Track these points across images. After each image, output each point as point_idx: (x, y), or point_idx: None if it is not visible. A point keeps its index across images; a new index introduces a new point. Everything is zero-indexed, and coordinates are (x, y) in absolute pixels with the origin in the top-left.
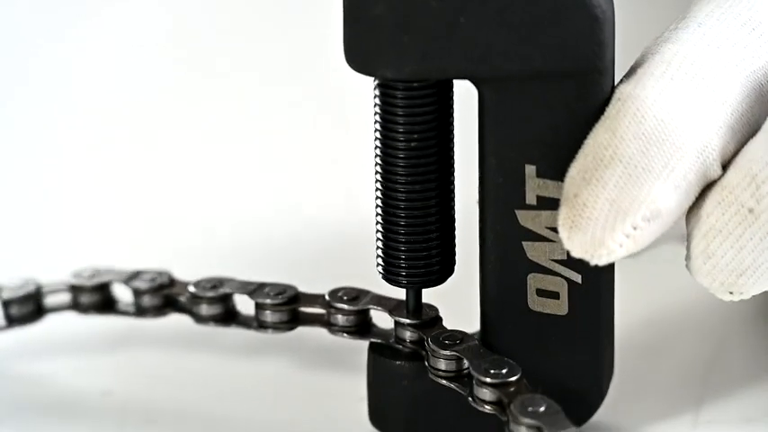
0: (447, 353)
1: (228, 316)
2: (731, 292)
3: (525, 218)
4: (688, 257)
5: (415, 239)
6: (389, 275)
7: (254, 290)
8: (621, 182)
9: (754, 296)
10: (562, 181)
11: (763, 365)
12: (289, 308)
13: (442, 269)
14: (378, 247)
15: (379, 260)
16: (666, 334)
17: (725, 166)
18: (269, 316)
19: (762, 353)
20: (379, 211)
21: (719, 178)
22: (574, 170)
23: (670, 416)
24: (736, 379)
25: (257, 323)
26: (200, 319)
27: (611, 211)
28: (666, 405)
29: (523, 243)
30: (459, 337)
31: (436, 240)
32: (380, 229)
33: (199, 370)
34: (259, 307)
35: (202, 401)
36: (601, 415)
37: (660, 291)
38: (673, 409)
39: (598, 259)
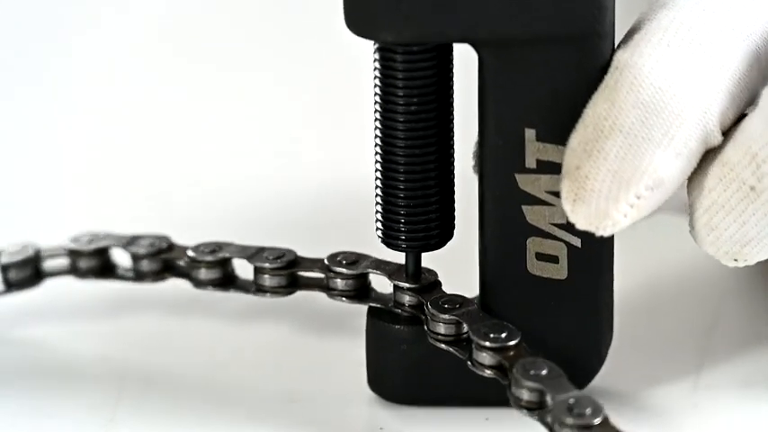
0: (446, 317)
1: (227, 280)
2: (736, 260)
3: (525, 182)
4: (692, 227)
5: (414, 203)
6: (389, 239)
7: (253, 254)
8: (623, 152)
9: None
10: (562, 145)
11: (762, 329)
12: (287, 272)
13: (441, 233)
14: (377, 212)
15: (379, 224)
16: (666, 299)
17: (725, 133)
18: (267, 280)
19: (761, 317)
20: (379, 175)
21: (720, 151)
22: (574, 141)
23: (670, 380)
24: (735, 343)
25: (256, 287)
26: (198, 283)
27: (613, 182)
28: (666, 369)
29: (523, 207)
30: (458, 301)
31: (435, 204)
32: (380, 194)
33: (198, 334)
34: (258, 271)
35: (201, 365)
36: (601, 380)
37: (660, 256)
38: (673, 374)
39: (603, 230)
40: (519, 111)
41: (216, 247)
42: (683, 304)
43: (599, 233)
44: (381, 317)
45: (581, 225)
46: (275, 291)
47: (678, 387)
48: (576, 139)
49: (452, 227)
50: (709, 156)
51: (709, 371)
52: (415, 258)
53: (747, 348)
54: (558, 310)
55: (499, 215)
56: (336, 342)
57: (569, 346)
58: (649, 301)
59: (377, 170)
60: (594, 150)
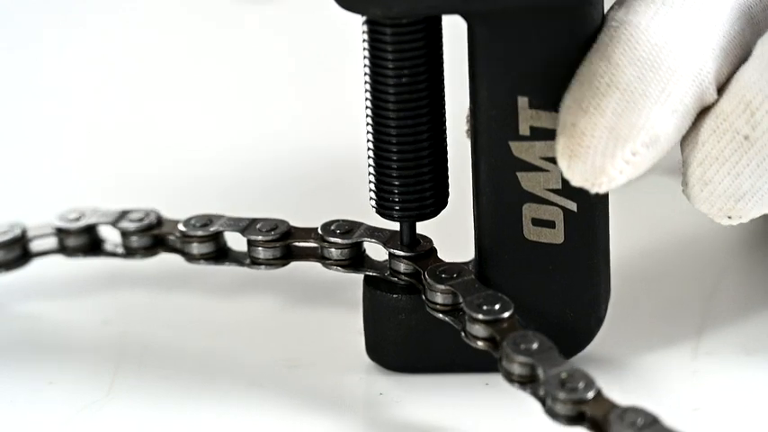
0: (443, 287)
1: (220, 254)
2: (729, 217)
3: (519, 149)
4: (685, 184)
5: (407, 173)
6: (383, 209)
7: (246, 227)
8: (619, 109)
9: (754, 223)
10: (555, 111)
11: (763, 295)
12: (281, 244)
13: (435, 202)
14: (370, 182)
15: (372, 194)
16: (665, 264)
17: (719, 90)
18: (262, 253)
19: (762, 283)
20: (371, 146)
21: (714, 105)
22: (569, 99)
23: (670, 347)
24: (736, 309)
25: (250, 260)
26: (191, 258)
27: (610, 138)
28: (666, 336)
29: (518, 174)
30: (455, 270)
31: (429, 174)
32: (373, 164)
33: (193, 306)
34: (251, 244)
35: (198, 336)
36: (600, 346)
37: (659, 221)
38: (672, 340)
39: (599, 187)
40: (511, 79)
41: (207, 220)
42: (683, 270)
43: (594, 190)
44: (378, 286)
45: (577, 182)
46: (270, 263)
47: (678, 354)
48: (571, 96)
49: (446, 195)
50: (703, 113)
51: (709, 337)
52: (409, 227)
53: (748, 314)
54: (555, 275)
55: (494, 183)
56: (333, 311)
57: (567, 310)
58: (649, 267)
59: (369, 141)
60: (591, 107)
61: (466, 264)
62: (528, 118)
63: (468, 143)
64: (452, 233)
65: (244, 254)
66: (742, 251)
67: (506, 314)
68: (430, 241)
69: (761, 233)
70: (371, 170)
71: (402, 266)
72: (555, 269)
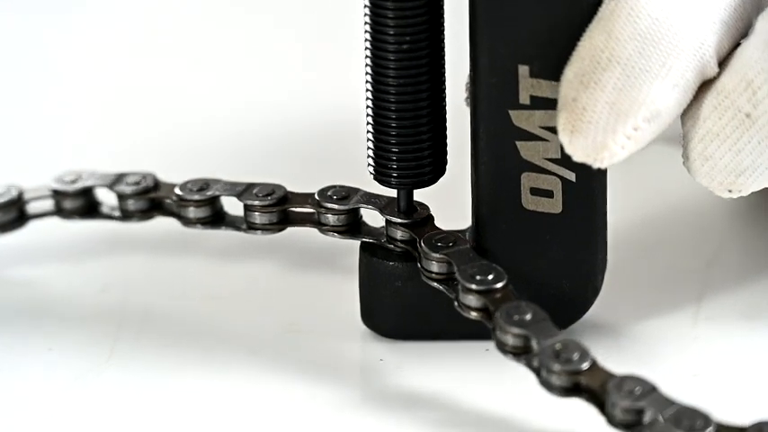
0: (438, 255)
1: (217, 218)
2: (730, 191)
3: (519, 118)
4: (686, 158)
5: (406, 140)
6: (381, 176)
7: (243, 191)
8: (620, 83)
9: (754, 193)
10: (556, 80)
11: (763, 261)
12: (278, 209)
13: (433, 170)
14: (368, 148)
15: (370, 161)
16: (665, 232)
17: (721, 64)
18: (258, 217)
19: (762, 249)
20: (370, 112)
21: (715, 80)
22: (570, 73)
23: (670, 313)
24: (736, 275)
25: (247, 225)
26: (187, 221)
27: (611, 113)
28: (666, 302)
29: (517, 143)
30: (451, 239)
31: (427, 141)
32: (371, 130)
33: (191, 274)
34: (248, 209)
35: (196, 301)
36: (601, 314)
37: (659, 188)
38: (673, 307)
39: (600, 162)
40: (512, 47)
41: (204, 184)
42: (683, 237)
43: (596, 165)
44: (375, 253)
45: (578, 157)
46: (266, 228)
47: (678, 320)
48: (572, 70)
49: (444, 163)
50: (704, 87)
51: (710, 303)
52: (407, 195)
53: (748, 280)
54: (552, 245)
55: (493, 151)
56: (331, 277)
57: (564, 279)
58: (649, 235)
59: (368, 107)
60: (592, 82)
61: (462, 232)
62: (528, 87)
63: (467, 111)
64: (450, 201)
65: (240, 218)
66: (742, 218)
67: (499, 284)
68: (427, 208)
69: (762, 201)
70: (370, 137)
71: (398, 234)
72: (552, 239)
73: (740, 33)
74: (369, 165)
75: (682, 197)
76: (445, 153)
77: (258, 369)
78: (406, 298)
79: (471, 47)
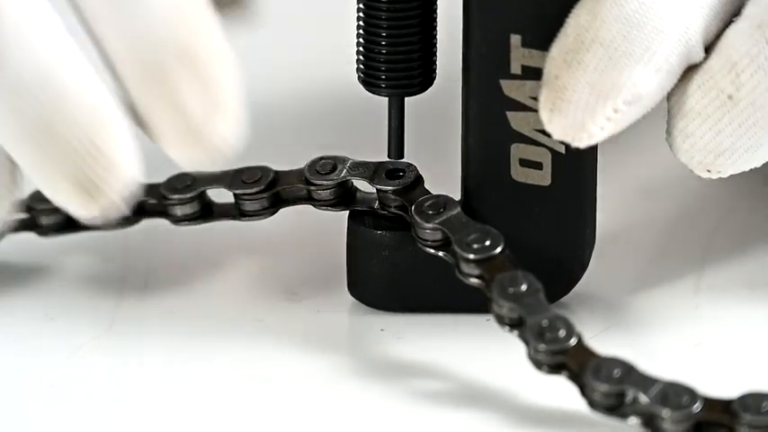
0: (430, 225)
1: (206, 212)
2: (709, 171)
3: (510, 87)
4: (668, 133)
5: (396, 44)
6: (370, 82)
7: (230, 181)
8: (602, 65)
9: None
10: (548, 50)
11: (764, 231)
12: (269, 193)
13: (422, 76)
14: (358, 52)
15: (360, 66)
16: (667, 202)
17: (708, 48)
18: (249, 205)
19: (765, 219)
20: (362, 14)
21: (702, 61)
22: (555, 50)
23: (672, 282)
24: (738, 245)
25: (239, 213)
26: (177, 220)
27: (591, 94)
28: (668, 271)
29: (507, 113)
30: (442, 204)
31: (418, 45)
32: (362, 36)
33: (192, 242)
34: (238, 198)
35: (197, 274)
36: (602, 285)
37: (660, 158)
38: (675, 275)
39: (579, 142)
40: (504, 16)
41: (189, 180)
42: (685, 207)
43: (574, 144)
44: (363, 221)
45: (557, 135)
46: (259, 214)
47: (680, 289)
48: (556, 48)
49: (433, 72)
50: (691, 69)
51: (712, 272)
52: (398, 106)
53: (750, 249)
54: (541, 217)
55: (483, 121)
56: (333, 247)
57: (553, 252)
58: (650, 205)
59: (359, 9)
60: (574, 61)
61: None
62: (520, 57)
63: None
64: (441, 170)
65: (232, 206)
66: (745, 188)
67: (497, 250)
68: (414, 169)
69: (765, 169)
70: (360, 42)
71: (390, 201)
72: (540, 211)
73: (729, 16)
74: (357, 69)
75: (683, 167)
76: (434, 62)
77: (264, 339)
78: (394, 268)
79: (464, 15)
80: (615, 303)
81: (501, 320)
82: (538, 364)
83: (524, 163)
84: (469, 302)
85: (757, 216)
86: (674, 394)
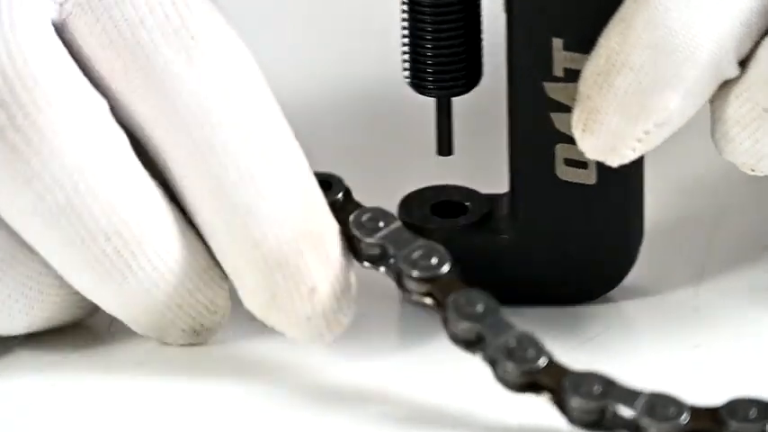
0: (370, 240)
1: None
2: (753, 170)
3: (553, 90)
4: (712, 134)
5: (442, 45)
6: (417, 83)
7: None
8: (632, 89)
9: None
10: (589, 54)
11: (766, 231)
12: None
13: (468, 77)
14: (404, 53)
15: (406, 65)
16: (667, 199)
17: (745, 60)
18: None
19: (765, 219)
20: (407, 16)
21: (740, 74)
22: (588, 70)
23: (671, 282)
24: (739, 246)
25: None
26: None
27: (621, 118)
28: (668, 272)
29: (551, 114)
30: (379, 217)
31: (463, 47)
32: (407, 36)
33: None
34: None
35: None
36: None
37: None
38: (674, 276)
39: (611, 162)
40: (547, 20)
41: None
42: (685, 206)
43: (607, 164)
44: None
45: (589, 155)
46: None
47: (679, 290)
48: (589, 68)
49: (480, 72)
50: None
51: (712, 273)
52: (446, 105)
53: (751, 251)
54: (588, 214)
55: (527, 123)
56: None
57: (598, 250)
58: (648, 203)
59: (404, 11)
60: (605, 84)
61: (500, 196)
62: (563, 60)
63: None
64: (491, 165)
65: None
66: (745, 186)
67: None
68: (340, 180)
69: None
70: (406, 43)
71: None
72: (587, 209)
73: (765, 28)
74: (404, 69)
75: (692, 164)
76: (480, 62)
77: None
78: None
79: (507, 19)
80: (614, 305)
81: (457, 340)
82: (507, 384)
83: (569, 162)
84: (524, 293)
85: (757, 217)
86: (662, 405)
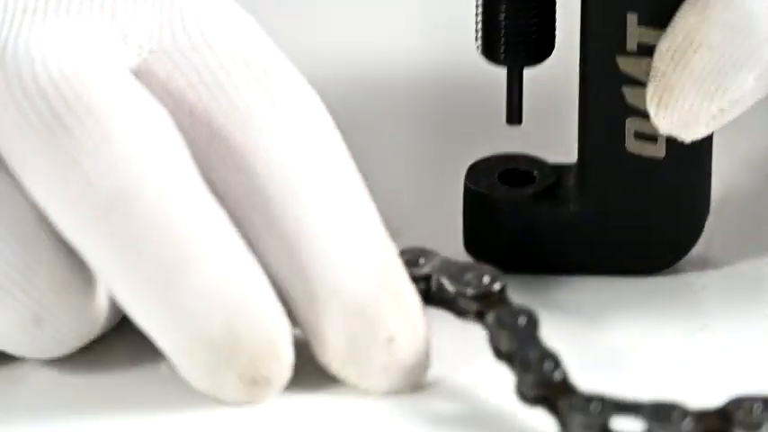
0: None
1: None
2: None
3: (626, 64)
4: None
5: (516, 14)
6: (489, 52)
7: None
8: (708, 67)
9: None
10: (663, 29)
11: None
12: None
13: (541, 47)
14: (476, 22)
15: (478, 35)
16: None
17: None
18: None
19: None
20: None
21: None
22: (664, 46)
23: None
24: (746, 226)
25: None
26: None
27: (696, 95)
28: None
29: (623, 88)
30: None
31: (535, 18)
32: (480, 5)
33: None
34: None
35: None
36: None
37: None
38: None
39: (685, 138)
40: None
41: None
42: (752, 181)
43: (680, 139)
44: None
45: (663, 130)
46: None
47: (686, 271)
48: (665, 44)
49: (553, 43)
50: None
51: (718, 254)
52: (518, 75)
53: (758, 230)
54: (655, 188)
55: (599, 96)
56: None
57: (665, 223)
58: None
59: None
60: (682, 61)
61: (568, 166)
62: (636, 34)
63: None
64: (559, 135)
65: None
66: (749, 165)
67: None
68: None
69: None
70: (480, 11)
71: None
72: (654, 183)
73: None
74: (476, 38)
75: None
76: (553, 33)
77: None
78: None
79: None
80: (620, 284)
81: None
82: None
83: (639, 136)
84: (590, 263)
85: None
86: (664, 411)
